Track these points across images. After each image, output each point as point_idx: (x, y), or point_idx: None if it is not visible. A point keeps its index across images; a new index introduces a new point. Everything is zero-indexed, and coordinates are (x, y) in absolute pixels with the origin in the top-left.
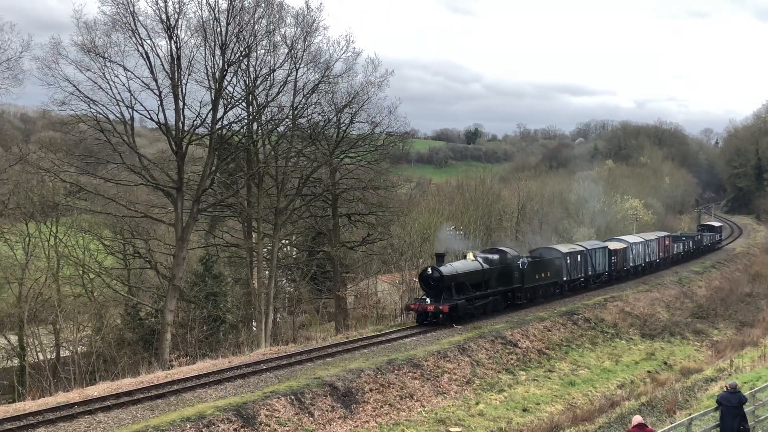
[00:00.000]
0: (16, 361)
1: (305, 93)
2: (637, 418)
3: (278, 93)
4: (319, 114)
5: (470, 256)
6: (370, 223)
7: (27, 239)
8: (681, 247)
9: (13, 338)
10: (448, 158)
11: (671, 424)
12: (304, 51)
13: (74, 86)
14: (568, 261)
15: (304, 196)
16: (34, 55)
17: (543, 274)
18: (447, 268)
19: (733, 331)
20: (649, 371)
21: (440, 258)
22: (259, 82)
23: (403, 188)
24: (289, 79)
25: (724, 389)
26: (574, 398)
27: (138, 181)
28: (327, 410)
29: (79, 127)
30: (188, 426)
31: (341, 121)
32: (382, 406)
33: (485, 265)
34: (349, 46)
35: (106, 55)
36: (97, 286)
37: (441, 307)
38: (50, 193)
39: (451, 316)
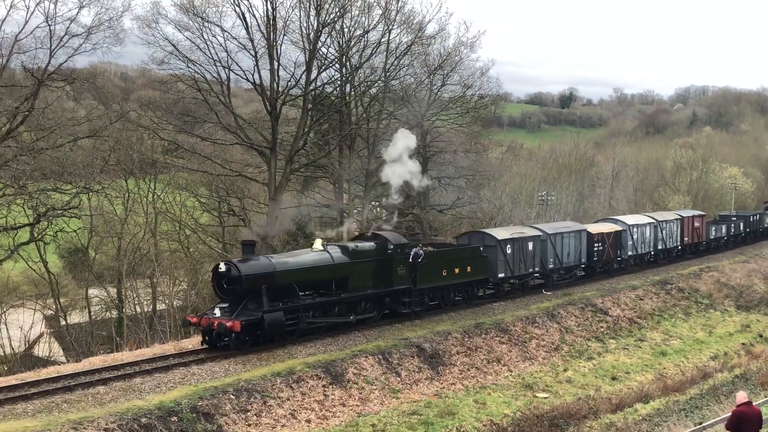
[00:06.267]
0: (114, 313)
1: (398, 55)
2: (742, 396)
3: (371, 54)
4: (411, 76)
5: (318, 244)
6: (460, 186)
7: (126, 195)
8: (723, 231)
9: (113, 291)
10: (541, 122)
11: (765, 398)
12: (397, 12)
13: (173, 46)
14: (508, 251)
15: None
16: (134, 15)
17: (456, 270)
18: (257, 263)
19: None
20: (743, 343)
21: (249, 247)
22: (352, 43)
23: (495, 152)
24: (382, 40)
25: None
26: (664, 368)
27: (233, 141)
28: (414, 371)
29: (178, 87)
30: (278, 381)
31: (433, 83)
32: (468, 369)
33: (342, 258)
34: (442, 7)
35: (204, 15)
36: (193, 243)
37: (228, 324)
38: (149, 150)
39: (245, 338)
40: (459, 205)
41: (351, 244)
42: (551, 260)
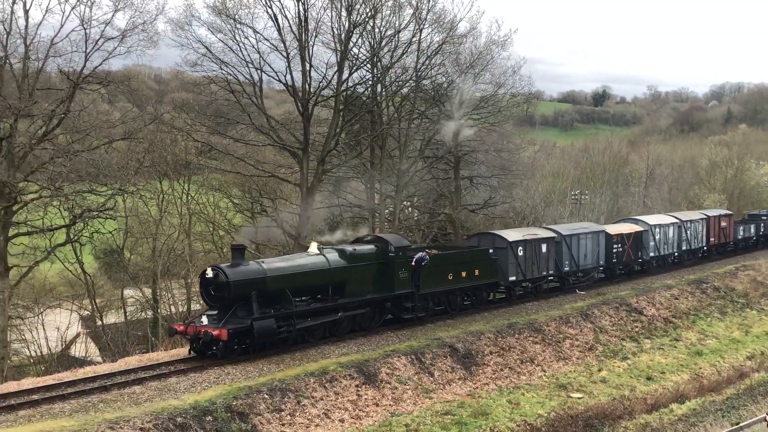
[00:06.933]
0: (150, 313)
1: (429, 54)
2: None
3: (402, 54)
4: (443, 75)
5: (313, 247)
6: (492, 186)
7: (161, 196)
8: (752, 230)
9: (148, 291)
10: (574, 121)
11: None
12: (428, 11)
13: (206, 48)
14: (520, 253)
15: (426, 158)
16: (168, 18)
17: (462, 274)
18: (246, 268)
19: None
20: None
21: (239, 251)
22: (383, 43)
23: (527, 151)
24: (413, 40)
25: None
26: (700, 368)
27: (266, 142)
28: (447, 371)
29: (210, 88)
30: (311, 380)
31: (464, 82)
32: (502, 369)
33: (340, 261)
34: (473, 5)
35: (236, 16)
36: (227, 243)
37: (214, 333)
38: (183, 152)
39: (234, 346)
40: (491, 204)
41: (349, 248)
42: (567, 263)
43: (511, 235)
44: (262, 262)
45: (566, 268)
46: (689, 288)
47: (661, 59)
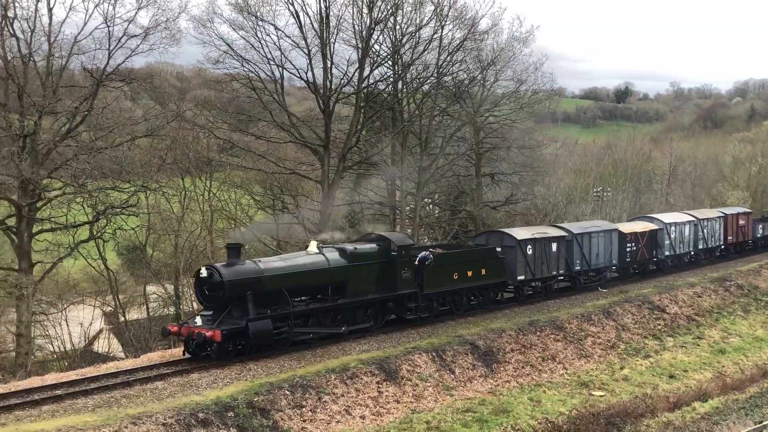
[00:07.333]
0: (172, 309)
1: (450, 51)
2: None
3: (423, 51)
4: (464, 72)
5: (313, 246)
6: (513, 183)
7: (183, 193)
8: None
9: (170, 287)
10: (596, 118)
11: None
12: (449, 8)
13: (228, 45)
14: (529, 252)
15: (448, 155)
16: (190, 15)
17: (468, 273)
18: (241, 268)
19: None
20: None
21: (234, 250)
22: (405, 40)
23: (549, 148)
24: (434, 37)
25: None
26: (723, 366)
27: (287, 139)
28: (468, 368)
29: (232, 86)
30: (333, 377)
31: (486, 79)
32: (523, 367)
33: (340, 261)
34: (495, 2)
35: (258, 14)
36: (248, 240)
37: (207, 334)
38: (204, 149)
39: (228, 348)
40: (512, 201)
41: (350, 246)
42: (578, 262)
43: (520, 233)
44: (259, 261)
45: (577, 268)
46: (712, 286)
47: (683, 56)
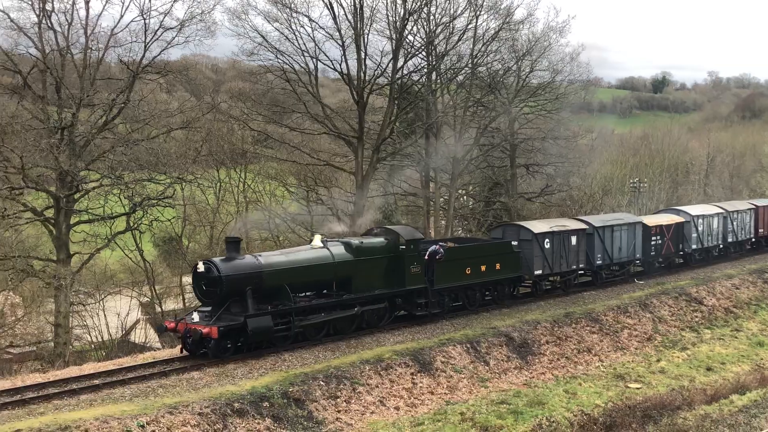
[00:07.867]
0: None
1: (485, 41)
2: None
3: (458, 41)
4: (499, 62)
5: (317, 239)
6: (548, 174)
7: (218, 185)
8: None
9: None
10: (633, 108)
11: None
12: None
13: (262, 37)
14: (547, 246)
15: (482, 146)
16: (225, 8)
17: (482, 268)
18: (241, 263)
19: None
20: None
21: (233, 244)
22: (439, 30)
23: (584, 138)
24: (469, 27)
25: None
26: (762, 359)
27: (321, 130)
28: (502, 360)
29: (267, 77)
30: (367, 368)
31: (521, 69)
32: (558, 359)
33: (345, 255)
34: None
35: (292, 5)
36: (282, 231)
37: (204, 331)
38: (239, 141)
39: (226, 345)
40: (548, 192)
41: (355, 240)
42: (599, 256)
43: (537, 226)
44: (259, 255)
45: (598, 262)
46: (750, 278)
47: (721, 45)
